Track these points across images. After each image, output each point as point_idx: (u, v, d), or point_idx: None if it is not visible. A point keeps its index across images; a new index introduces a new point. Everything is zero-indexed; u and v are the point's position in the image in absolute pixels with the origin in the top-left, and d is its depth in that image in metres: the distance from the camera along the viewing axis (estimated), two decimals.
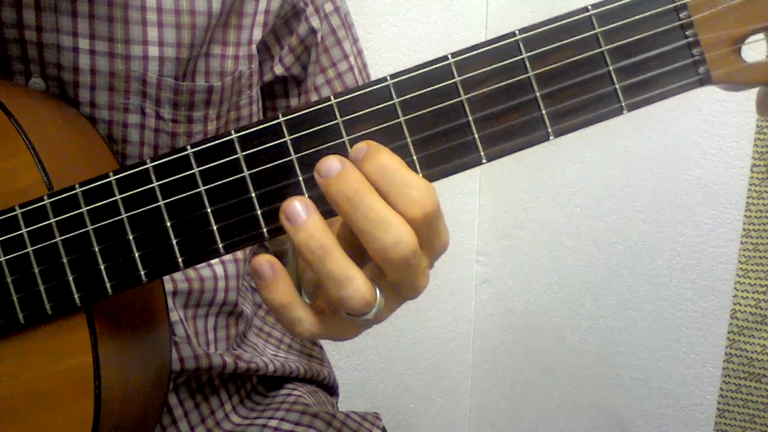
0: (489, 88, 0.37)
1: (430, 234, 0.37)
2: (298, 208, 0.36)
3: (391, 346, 1.43)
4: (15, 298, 0.42)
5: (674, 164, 1.27)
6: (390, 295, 0.39)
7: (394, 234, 0.35)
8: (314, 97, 0.66)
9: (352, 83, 0.68)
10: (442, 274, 1.46)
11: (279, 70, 0.63)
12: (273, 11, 0.60)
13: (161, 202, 0.40)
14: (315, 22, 0.63)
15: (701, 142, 1.24)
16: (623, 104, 0.37)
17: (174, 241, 0.40)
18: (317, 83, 0.66)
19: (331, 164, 0.36)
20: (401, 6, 1.29)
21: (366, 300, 0.36)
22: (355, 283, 0.36)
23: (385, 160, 0.36)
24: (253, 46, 0.59)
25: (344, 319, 0.39)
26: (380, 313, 0.39)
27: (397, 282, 0.38)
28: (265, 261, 0.37)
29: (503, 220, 1.47)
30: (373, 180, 0.36)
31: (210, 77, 0.58)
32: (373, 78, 0.71)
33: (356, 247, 0.38)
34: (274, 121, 0.38)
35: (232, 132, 0.38)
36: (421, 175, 0.38)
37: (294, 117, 0.38)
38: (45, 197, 0.41)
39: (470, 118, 0.37)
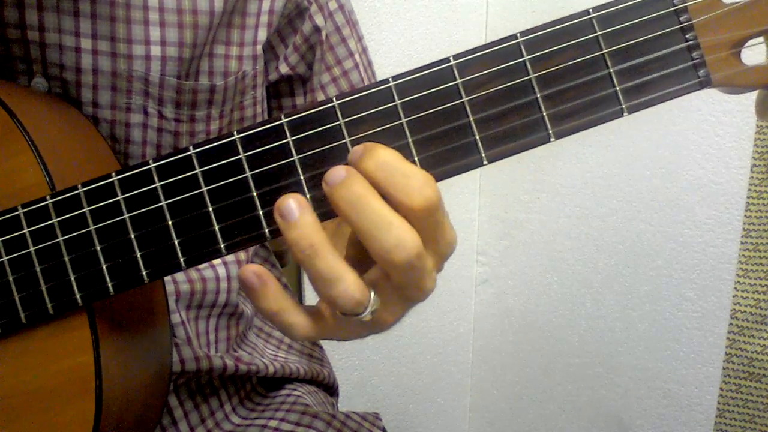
0: (490, 90, 0.37)
1: (433, 229, 0.37)
2: (292, 205, 0.36)
3: (391, 346, 1.43)
4: (17, 298, 0.42)
5: (674, 164, 1.27)
6: (394, 298, 0.39)
7: (396, 235, 0.35)
8: (320, 96, 0.66)
9: (357, 81, 0.67)
10: (442, 274, 1.45)
11: (284, 69, 0.63)
12: (277, 11, 0.60)
13: (163, 203, 0.40)
14: (319, 20, 0.63)
15: (701, 142, 1.24)
16: (624, 106, 0.37)
17: (176, 241, 0.40)
18: (323, 81, 0.66)
19: (337, 172, 0.36)
20: (401, 6, 1.29)
21: (356, 300, 0.36)
22: (345, 283, 0.36)
23: (382, 154, 0.36)
24: (258, 47, 0.59)
25: (340, 320, 0.38)
26: (381, 315, 0.39)
27: (402, 284, 0.38)
28: (251, 272, 0.37)
29: (503, 220, 1.47)
30: (372, 176, 0.36)
31: (213, 77, 0.58)
32: (377, 76, 0.71)
33: (361, 250, 0.38)
34: (277, 122, 0.38)
35: (235, 133, 0.39)
36: None
37: (296, 118, 0.38)
38: (47, 197, 0.41)
39: (471, 120, 0.37)
